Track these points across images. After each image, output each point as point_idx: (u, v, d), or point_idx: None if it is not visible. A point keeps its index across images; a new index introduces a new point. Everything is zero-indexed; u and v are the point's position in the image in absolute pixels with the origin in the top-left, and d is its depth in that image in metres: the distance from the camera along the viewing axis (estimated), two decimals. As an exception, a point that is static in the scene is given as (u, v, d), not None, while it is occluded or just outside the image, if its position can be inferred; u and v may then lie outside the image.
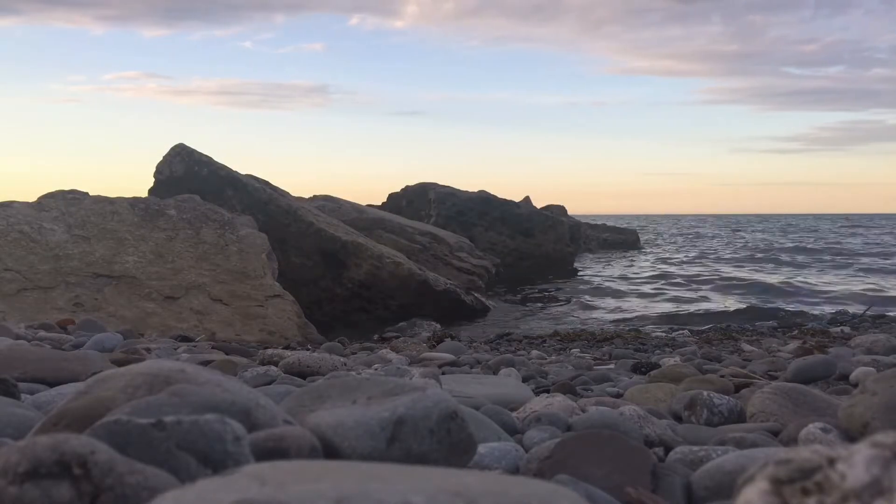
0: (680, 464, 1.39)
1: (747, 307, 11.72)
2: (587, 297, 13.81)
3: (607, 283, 16.21)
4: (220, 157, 12.11)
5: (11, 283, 6.75)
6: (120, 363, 2.45)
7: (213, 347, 4.36)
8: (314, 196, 13.84)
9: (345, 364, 3.25)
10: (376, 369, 3.25)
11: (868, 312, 10.21)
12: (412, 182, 18.65)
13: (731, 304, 12.63)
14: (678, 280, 17.10)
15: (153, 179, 10.67)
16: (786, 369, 3.30)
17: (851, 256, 23.48)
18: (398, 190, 18.98)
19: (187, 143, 10.77)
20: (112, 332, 4.13)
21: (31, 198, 7.89)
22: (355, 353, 4.90)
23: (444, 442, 1.12)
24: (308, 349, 5.11)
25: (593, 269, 19.67)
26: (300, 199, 12.12)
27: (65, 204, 7.85)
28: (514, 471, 1.38)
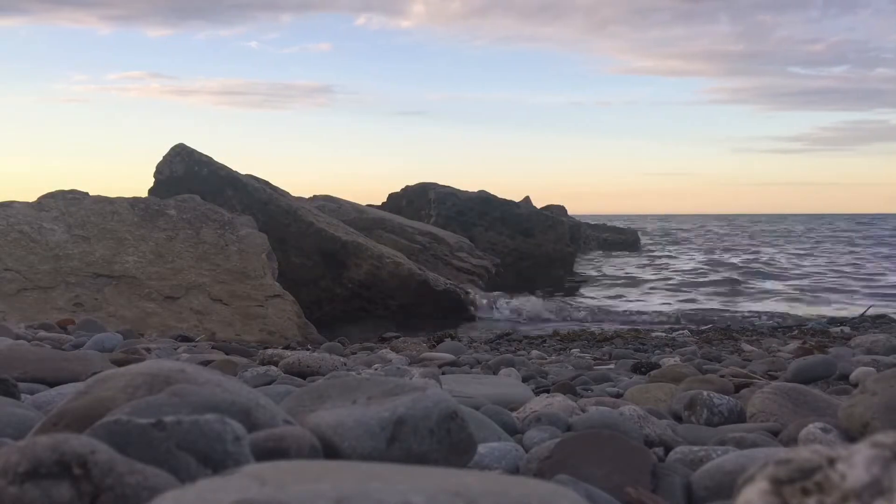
0: (680, 464, 1.39)
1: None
2: (587, 297, 13.83)
3: (607, 283, 16.22)
4: (222, 157, 12.12)
5: (11, 283, 6.75)
6: (120, 363, 2.45)
7: (213, 347, 4.36)
8: (314, 196, 13.83)
9: (345, 364, 3.24)
10: (376, 369, 3.25)
11: (868, 312, 10.20)
12: (413, 182, 18.62)
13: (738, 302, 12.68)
14: (678, 280, 17.12)
15: (153, 179, 10.68)
16: (786, 369, 3.29)
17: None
18: (398, 190, 18.95)
19: (190, 144, 10.79)
20: (112, 332, 4.13)
21: (32, 198, 7.90)
22: (355, 353, 4.90)
23: (444, 442, 1.12)
24: (308, 349, 5.11)
25: (593, 269, 19.67)
26: (300, 199, 12.12)
27: (65, 204, 7.85)
28: (514, 471, 1.38)
